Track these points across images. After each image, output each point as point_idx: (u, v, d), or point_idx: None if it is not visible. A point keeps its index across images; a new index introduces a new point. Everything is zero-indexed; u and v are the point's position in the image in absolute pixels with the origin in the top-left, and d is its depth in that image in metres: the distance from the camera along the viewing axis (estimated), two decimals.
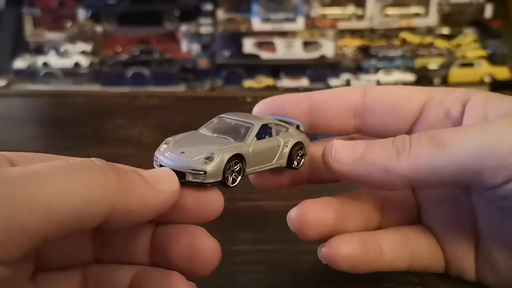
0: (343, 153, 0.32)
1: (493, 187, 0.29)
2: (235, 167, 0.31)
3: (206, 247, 0.29)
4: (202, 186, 0.29)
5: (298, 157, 0.35)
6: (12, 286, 0.26)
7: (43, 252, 0.29)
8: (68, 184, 0.23)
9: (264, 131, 0.34)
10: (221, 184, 0.30)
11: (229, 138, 0.32)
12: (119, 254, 0.31)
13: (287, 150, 0.35)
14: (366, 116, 0.37)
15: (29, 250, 0.23)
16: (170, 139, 0.33)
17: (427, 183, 0.31)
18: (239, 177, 0.31)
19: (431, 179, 0.30)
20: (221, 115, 0.35)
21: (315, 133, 0.38)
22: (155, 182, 0.27)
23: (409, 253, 0.35)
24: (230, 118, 0.35)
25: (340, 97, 0.37)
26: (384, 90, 0.37)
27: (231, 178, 0.31)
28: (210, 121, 0.35)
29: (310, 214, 0.33)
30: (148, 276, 0.29)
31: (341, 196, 0.35)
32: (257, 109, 0.38)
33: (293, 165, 0.35)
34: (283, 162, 0.35)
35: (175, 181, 0.28)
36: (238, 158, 0.31)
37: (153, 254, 0.31)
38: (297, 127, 0.36)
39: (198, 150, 0.31)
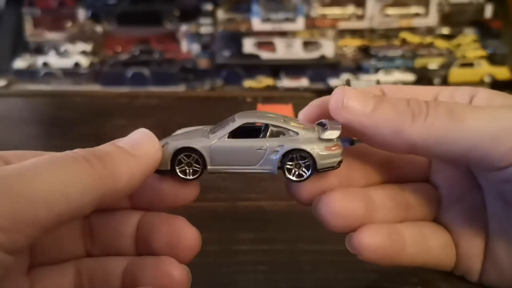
0: (356, 103, 0.31)
1: (497, 169, 0.29)
2: (190, 159, 0.31)
3: (187, 235, 0.31)
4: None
5: (301, 167, 0.31)
6: (9, 282, 0.26)
7: (37, 247, 0.30)
8: (60, 176, 0.24)
9: (257, 131, 0.33)
10: (172, 175, 0.31)
11: (206, 133, 0.32)
12: (107, 246, 0.32)
13: (275, 156, 0.31)
14: None
15: (33, 239, 0.24)
16: (178, 131, 0.34)
17: (431, 153, 0.32)
18: (199, 171, 0.31)
19: (438, 150, 0.30)
20: (239, 112, 0.34)
21: (347, 137, 0.35)
22: (135, 149, 0.28)
23: (426, 249, 0.35)
24: (235, 116, 0.34)
25: None
26: (398, 87, 0.38)
27: (191, 170, 0.31)
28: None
29: (337, 204, 0.32)
30: (141, 264, 0.30)
31: (369, 188, 0.35)
32: (301, 115, 0.36)
33: (286, 175, 0.31)
34: (272, 169, 0.31)
35: (154, 141, 0.30)
36: (192, 151, 0.31)
37: (137, 244, 0.32)
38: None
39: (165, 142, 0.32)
